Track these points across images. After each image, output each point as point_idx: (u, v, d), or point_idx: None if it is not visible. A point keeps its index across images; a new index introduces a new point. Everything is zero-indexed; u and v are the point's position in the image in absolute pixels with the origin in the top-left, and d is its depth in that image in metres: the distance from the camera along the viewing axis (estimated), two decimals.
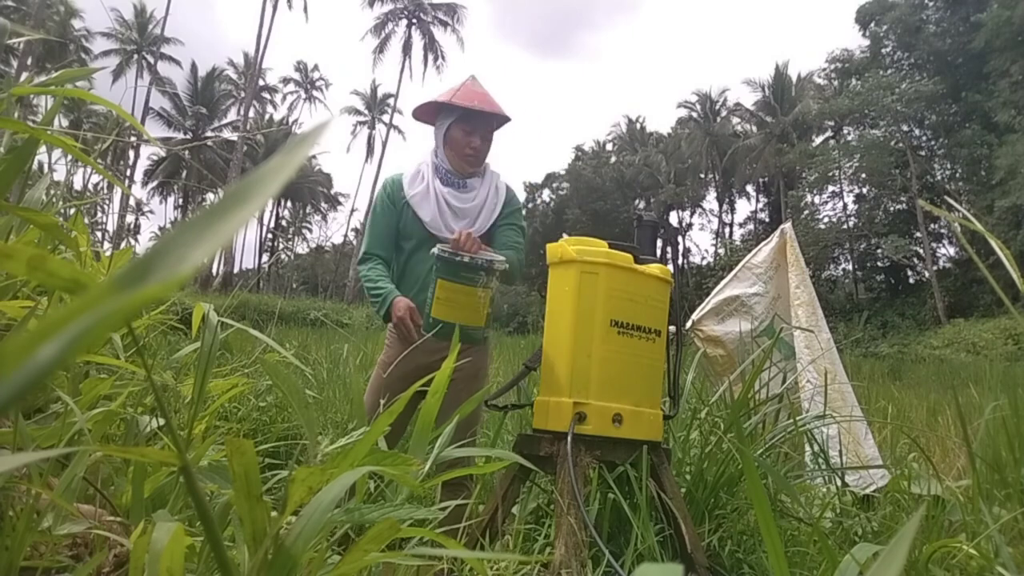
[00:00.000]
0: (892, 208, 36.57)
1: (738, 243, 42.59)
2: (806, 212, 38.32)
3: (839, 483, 2.49)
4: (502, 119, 2.55)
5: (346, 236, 55.03)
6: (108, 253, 1.94)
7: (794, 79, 43.54)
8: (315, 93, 55.14)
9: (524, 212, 2.81)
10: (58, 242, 1.36)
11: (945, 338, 26.90)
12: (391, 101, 47.33)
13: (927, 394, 8.68)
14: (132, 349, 1.30)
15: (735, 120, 46.90)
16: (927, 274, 33.97)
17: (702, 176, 47.87)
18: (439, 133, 2.52)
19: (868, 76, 33.66)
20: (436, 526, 0.89)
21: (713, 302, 3.89)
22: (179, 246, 0.24)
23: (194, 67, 47.84)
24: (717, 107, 47.64)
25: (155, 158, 47.93)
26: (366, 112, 52.22)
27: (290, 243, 61.39)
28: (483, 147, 2.51)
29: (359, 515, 0.80)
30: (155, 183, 48.22)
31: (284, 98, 55.39)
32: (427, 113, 2.58)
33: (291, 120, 53.61)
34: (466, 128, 2.47)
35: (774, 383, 3.28)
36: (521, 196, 2.70)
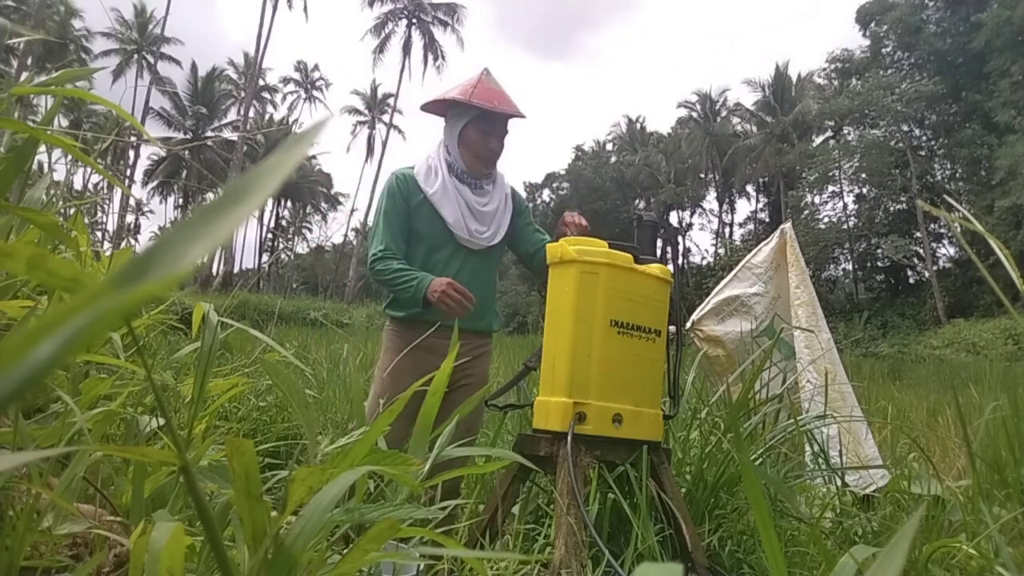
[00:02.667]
0: (892, 208, 36.56)
1: (738, 243, 42.59)
2: (806, 212, 38.32)
3: (839, 483, 2.49)
4: (516, 117, 2.44)
5: (346, 236, 55.05)
6: (108, 253, 1.94)
7: (794, 79, 43.55)
8: (315, 93, 55.19)
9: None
10: (58, 242, 1.36)
11: (945, 338, 26.90)
12: (391, 101, 47.35)
13: (927, 394, 8.68)
14: (132, 349, 1.30)
15: (735, 120, 46.90)
16: (927, 274, 33.97)
17: (702, 176, 47.88)
18: (453, 131, 2.38)
19: (868, 76, 33.66)
20: (435, 526, 0.89)
21: (713, 302, 3.89)
22: (177, 244, 0.24)
23: (194, 67, 47.90)
24: (717, 107, 47.65)
25: (155, 158, 47.97)
26: (366, 112, 52.24)
27: (290, 243, 61.43)
28: (499, 148, 2.41)
29: (359, 515, 0.80)
30: (155, 183, 48.24)
31: (284, 98, 55.47)
32: (438, 106, 2.45)
33: (291, 120, 53.65)
34: (484, 129, 2.35)
35: (774, 383, 3.27)
36: (521, 196, 2.66)
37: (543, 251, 2.39)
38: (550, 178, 51.80)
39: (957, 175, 34.75)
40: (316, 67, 58.22)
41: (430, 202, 2.33)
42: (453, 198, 2.34)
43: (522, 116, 2.42)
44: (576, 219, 2.30)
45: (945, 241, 35.58)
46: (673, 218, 47.60)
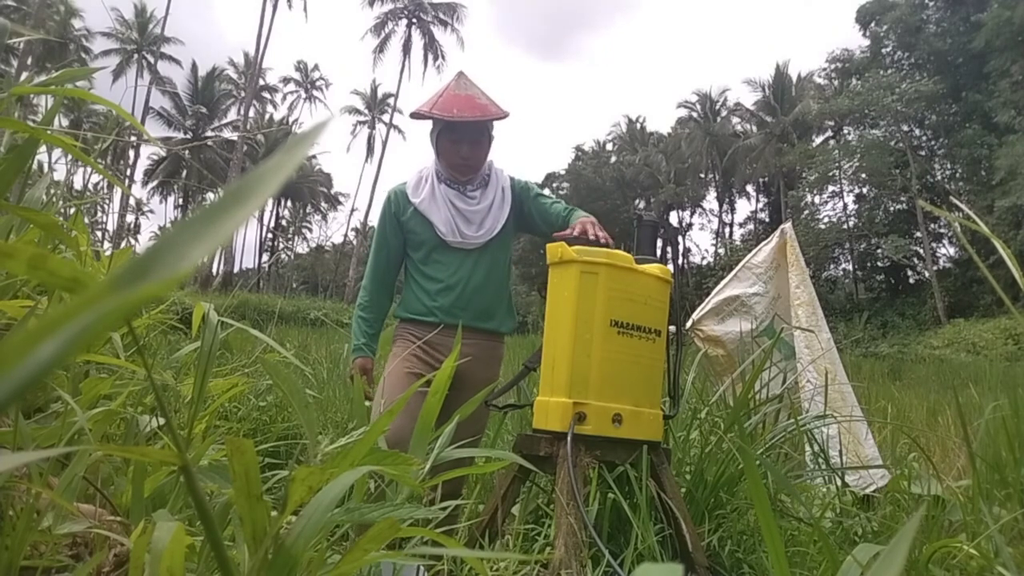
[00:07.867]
0: (892, 208, 36.58)
1: (738, 243, 42.63)
2: (806, 212, 38.34)
3: (839, 483, 2.49)
4: (495, 119, 2.39)
5: (346, 236, 55.11)
6: (108, 253, 1.94)
7: (794, 79, 43.53)
8: (315, 93, 55.13)
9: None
10: (58, 241, 1.36)
11: (945, 338, 26.89)
12: (391, 101, 47.28)
13: (927, 394, 8.68)
14: (132, 348, 1.30)
15: (735, 120, 46.90)
16: (927, 274, 33.97)
17: (702, 176, 47.86)
18: (432, 141, 2.42)
19: (868, 76, 33.66)
20: (435, 526, 0.89)
21: (713, 302, 3.89)
22: (178, 244, 0.24)
23: (194, 67, 47.86)
24: (717, 107, 47.62)
25: (155, 158, 47.93)
26: (366, 112, 52.19)
27: (290, 243, 61.43)
28: (473, 154, 2.38)
29: (359, 515, 0.80)
30: (155, 183, 48.19)
31: (284, 98, 55.41)
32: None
33: (291, 120, 53.62)
34: (452, 138, 2.35)
35: (774, 383, 3.27)
36: (521, 180, 2.63)
37: (563, 216, 2.42)
38: (550, 178, 51.78)
39: (957, 175, 34.75)
40: (316, 67, 58.12)
41: (419, 211, 2.38)
42: (441, 204, 2.38)
43: (490, 119, 2.37)
44: (593, 229, 2.07)
45: (945, 241, 35.62)
46: (673, 218, 47.59)
